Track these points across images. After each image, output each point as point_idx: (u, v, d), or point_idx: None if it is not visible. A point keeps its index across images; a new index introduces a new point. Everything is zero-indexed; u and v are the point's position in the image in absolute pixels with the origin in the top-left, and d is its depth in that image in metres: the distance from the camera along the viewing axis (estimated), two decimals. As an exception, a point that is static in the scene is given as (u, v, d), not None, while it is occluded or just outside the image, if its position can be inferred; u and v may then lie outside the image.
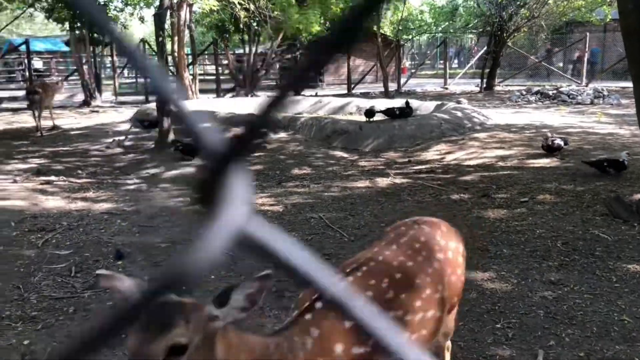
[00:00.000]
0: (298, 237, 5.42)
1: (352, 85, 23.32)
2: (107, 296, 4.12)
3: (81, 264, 4.76)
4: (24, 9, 15.56)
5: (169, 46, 21.21)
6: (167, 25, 19.21)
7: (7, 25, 14.52)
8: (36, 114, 12.11)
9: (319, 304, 1.87)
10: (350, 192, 7.21)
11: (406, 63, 33.15)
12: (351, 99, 16.52)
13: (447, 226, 2.60)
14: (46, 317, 3.81)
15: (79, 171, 8.72)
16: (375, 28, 20.19)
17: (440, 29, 27.19)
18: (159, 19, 10.01)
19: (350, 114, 14.99)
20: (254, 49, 20.87)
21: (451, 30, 26.27)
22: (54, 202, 6.89)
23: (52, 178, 8.11)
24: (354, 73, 25.02)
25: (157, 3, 11.24)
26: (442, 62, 30.86)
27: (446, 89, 23.11)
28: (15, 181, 7.95)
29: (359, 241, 5.26)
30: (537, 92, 18.13)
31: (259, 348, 1.67)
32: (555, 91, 17.72)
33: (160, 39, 9.98)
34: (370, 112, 11.04)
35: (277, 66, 25.54)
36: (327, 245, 5.21)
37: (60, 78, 15.26)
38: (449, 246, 2.43)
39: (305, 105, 15.70)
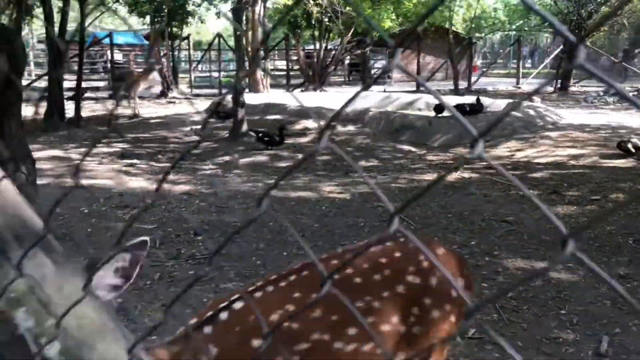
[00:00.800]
0: (365, 223, 5.61)
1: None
2: (188, 266, 4.46)
3: (164, 237, 5.14)
4: (110, 3, 16.48)
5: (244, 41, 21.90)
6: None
7: (94, 20, 15.44)
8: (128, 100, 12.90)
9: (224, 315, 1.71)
10: (417, 184, 7.32)
11: (478, 61, 32.57)
12: (420, 95, 16.47)
13: (448, 255, 2.11)
14: (135, 281, 4.17)
15: (159, 156, 9.26)
16: (446, 25, 20.05)
17: (514, 27, 26.57)
18: (236, 14, 10.42)
19: (419, 110, 14.98)
20: (324, 45, 21.19)
21: (525, 29, 25.60)
22: (137, 183, 7.38)
23: (135, 161, 8.67)
24: (424, 70, 24.87)
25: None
26: (515, 61, 30.11)
27: (518, 88, 22.58)
28: (101, 163, 8.56)
29: (425, 229, 5.38)
30: (615, 93, 17.43)
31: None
32: (636, 92, 17.00)
33: (238, 32, 10.41)
34: (439, 108, 11.04)
35: (347, 62, 25.80)
36: (394, 231, 5.36)
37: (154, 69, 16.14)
38: (433, 272, 1.90)
39: (374, 100, 15.79)
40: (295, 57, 22.69)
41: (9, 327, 0.55)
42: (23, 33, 17.79)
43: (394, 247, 1.96)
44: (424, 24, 19.92)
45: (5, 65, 2.94)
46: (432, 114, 11.56)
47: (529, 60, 37.17)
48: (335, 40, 22.76)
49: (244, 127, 10.46)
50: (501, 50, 35.87)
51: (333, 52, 21.76)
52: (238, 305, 1.72)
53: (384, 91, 18.42)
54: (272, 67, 29.00)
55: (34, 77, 20.44)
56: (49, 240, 0.60)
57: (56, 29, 11.32)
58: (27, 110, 12.94)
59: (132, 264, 1.26)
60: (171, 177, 7.70)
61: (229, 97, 12.00)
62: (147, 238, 1.27)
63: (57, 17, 11.97)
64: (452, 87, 20.07)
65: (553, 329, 3.34)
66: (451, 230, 5.34)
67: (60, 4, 12.18)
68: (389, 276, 1.86)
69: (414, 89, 22.17)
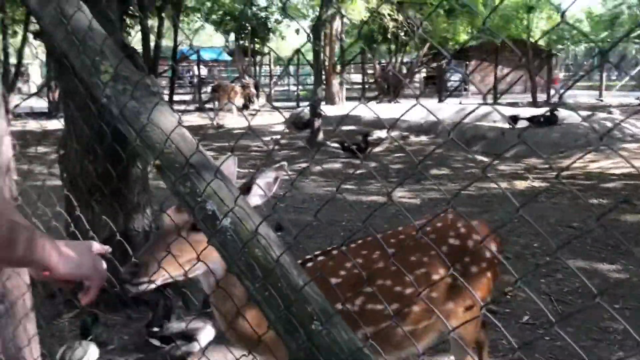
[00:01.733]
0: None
1: (498, 95, 23.02)
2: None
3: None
4: (201, 22, 17.70)
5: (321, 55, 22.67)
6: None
7: (186, 38, 16.62)
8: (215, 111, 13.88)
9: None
10: (487, 191, 7.54)
11: (560, 74, 31.74)
12: (495, 107, 16.47)
13: (483, 225, 2.56)
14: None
15: (242, 162, 9.97)
16: (525, 36, 19.88)
17: (598, 38, 25.79)
18: (315, 31, 11.05)
19: (494, 122, 15.02)
20: (399, 58, 21.58)
21: (608, 40, 24.80)
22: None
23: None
24: (502, 83, 24.63)
25: (313, 16, 12.41)
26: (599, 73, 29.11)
27: (601, 100, 21.93)
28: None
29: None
30: None
31: None
32: None
33: (317, 48, 11.03)
34: (513, 119, 11.13)
35: (423, 75, 25.99)
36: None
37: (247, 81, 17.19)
38: (470, 237, 2.29)
39: (448, 112, 15.97)
40: (371, 71, 23.18)
41: (205, 209, 1.02)
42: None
43: (436, 220, 2.37)
44: (501, 36, 19.85)
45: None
46: (506, 125, 11.64)
47: (615, 73, 35.72)
48: (412, 53, 23.06)
49: (320, 137, 11.03)
50: (585, 63, 34.74)
51: (409, 65, 22.08)
52: (320, 258, 2.18)
53: (460, 103, 18.51)
54: (349, 81, 29.66)
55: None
56: (220, 171, 1.07)
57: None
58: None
59: (274, 180, 1.73)
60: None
61: (306, 110, 12.65)
62: (284, 163, 1.75)
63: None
64: (531, 100, 19.83)
65: (604, 319, 3.57)
66: (515, 234, 5.57)
67: (155, 24, 13.28)
68: (434, 240, 2.25)
69: (492, 101, 22.08)
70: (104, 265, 1.15)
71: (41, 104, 17.45)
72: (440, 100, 21.07)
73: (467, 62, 25.43)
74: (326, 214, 6.32)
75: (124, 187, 3.72)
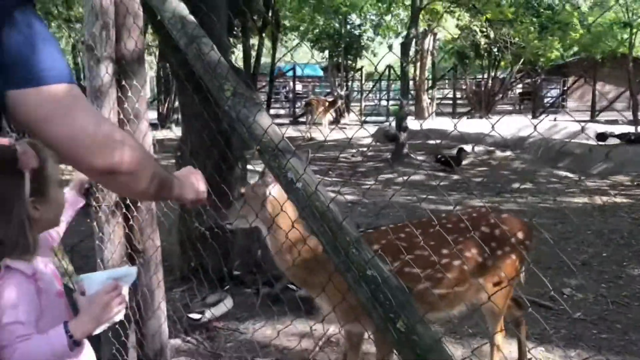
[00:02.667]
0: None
1: (597, 112, 22.28)
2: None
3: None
4: (294, 40, 18.74)
5: (411, 70, 23.11)
6: (411, 52, 21.03)
7: (283, 56, 17.74)
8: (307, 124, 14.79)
9: None
10: (566, 205, 7.70)
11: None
12: (589, 125, 16.11)
13: (512, 218, 2.93)
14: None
15: (330, 172, 10.64)
16: (626, 51, 19.20)
17: None
18: (404, 48, 11.57)
19: (587, 139, 14.75)
20: (492, 74, 21.53)
21: None
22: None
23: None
24: (603, 99, 23.77)
25: (405, 33, 12.88)
26: None
27: None
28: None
29: (562, 242, 5.89)
30: None
31: None
32: None
33: (405, 64, 11.55)
34: (602, 136, 11.03)
35: (517, 91, 25.66)
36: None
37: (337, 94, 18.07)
38: (497, 226, 2.72)
39: (540, 128, 15.85)
40: (464, 86, 23.23)
41: (286, 177, 1.62)
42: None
43: (472, 212, 2.93)
44: (602, 51, 19.28)
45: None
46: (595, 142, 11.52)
47: None
48: (507, 69, 22.90)
49: (405, 150, 11.49)
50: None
51: (502, 81, 21.95)
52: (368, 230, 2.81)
53: (554, 119, 18.20)
54: (441, 96, 29.70)
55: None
56: (296, 152, 1.67)
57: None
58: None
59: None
60: (339, 189, 8.99)
61: (393, 123, 13.14)
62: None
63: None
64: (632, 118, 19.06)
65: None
66: (586, 244, 5.79)
67: (255, 42, 14.36)
68: (469, 225, 2.68)
69: (588, 118, 21.42)
70: (201, 178, 1.71)
71: (151, 114, 19.26)
72: (534, 116, 20.75)
73: (565, 78, 24.78)
74: (401, 220, 6.81)
75: (227, 184, 4.45)
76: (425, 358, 1.37)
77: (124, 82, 2.51)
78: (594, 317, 3.94)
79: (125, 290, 1.51)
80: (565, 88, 24.60)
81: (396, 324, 1.43)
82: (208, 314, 3.73)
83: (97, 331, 1.45)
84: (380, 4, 15.54)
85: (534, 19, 13.51)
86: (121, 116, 2.51)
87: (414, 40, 17.23)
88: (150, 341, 2.73)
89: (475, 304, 2.79)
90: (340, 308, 2.14)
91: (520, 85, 26.80)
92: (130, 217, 2.60)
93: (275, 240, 2.52)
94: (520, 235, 2.84)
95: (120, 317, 1.49)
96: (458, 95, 24.56)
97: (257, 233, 5.01)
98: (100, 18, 2.41)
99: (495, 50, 19.88)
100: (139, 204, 2.59)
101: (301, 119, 19.36)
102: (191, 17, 2.00)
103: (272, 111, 25.11)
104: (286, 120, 21.92)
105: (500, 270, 2.69)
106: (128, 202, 2.59)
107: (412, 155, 11.80)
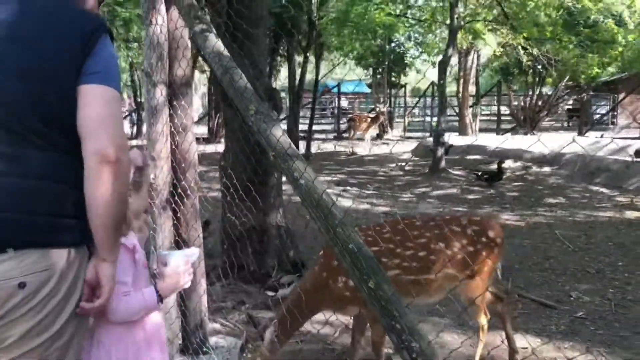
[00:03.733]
0: (528, 243, 6.57)
1: (645, 129, 21.85)
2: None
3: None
4: (342, 59, 19.36)
5: (454, 87, 23.36)
6: (452, 70, 21.37)
7: (327, 74, 18.37)
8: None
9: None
10: (594, 218, 7.90)
11: None
12: (634, 142, 15.99)
13: (490, 221, 3.42)
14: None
15: (368, 185, 11.12)
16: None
17: None
18: (442, 66, 11.98)
19: (631, 156, 14.66)
20: (537, 91, 21.56)
21: None
22: (346, 203, 9.25)
23: (348, 188, 10.63)
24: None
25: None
26: None
27: None
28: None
29: (581, 252, 6.17)
30: None
31: None
32: None
33: (442, 81, 11.95)
34: (638, 153, 11.09)
35: (563, 108, 25.48)
36: (552, 251, 6.26)
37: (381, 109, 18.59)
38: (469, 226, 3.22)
39: (583, 144, 15.84)
40: (514, 103, 23.24)
41: (293, 176, 2.14)
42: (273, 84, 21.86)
43: (446, 214, 3.40)
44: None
45: (274, 111, 4.91)
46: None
47: None
48: (555, 85, 22.84)
49: (442, 164, 11.85)
50: None
51: (548, 97, 21.92)
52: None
53: (601, 136, 18.09)
54: (489, 112, 29.69)
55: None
56: (300, 155, 2.19)
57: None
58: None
59: None
60: (374, 200, 9.45)
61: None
62: None
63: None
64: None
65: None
66: (605, 254, 6.04)
67: (301, 60, 15.00)
68: (450, 221, 3.24)
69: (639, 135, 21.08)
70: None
71: (201, 129, 20.24)
72: (580, 133, 20.62)
73: (615, 95, 24.46)
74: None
75: (264, 189, 5.01)
76: (387, 307, 1.86)
77: (175, 102, 3.10)
78: (595, 316, 4.27)
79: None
80: (614, 105, 24.28)
81: (368, 283, 1.92)
82: (281, 292, 4.35)
83: (173, 294, 2.02)
84: (420, 24, 15.97)
85: (573, 38, 13.63)
86: (172, 129, 3.10)
87: (455, 57, 17.59)
88: (192, 316, 3.28)
89: (456, 294, 3.25)
90: None
91: (570, 102, 26.57)
92: (177, 210, 3.17)
93: None
94: (491, 234, 3.26)
95: (188, 284, 2.03)
96: (504, 111, 24.61)
97: (291, 236, 5.56)
98: (157, 50, 3.02)
99: (539, 67, 19.96)
100: (185, 200, 3.16)
101: (345, 135, 19.92)
102: (226, 52, 2.55)
103: (318, 127, 25.85)
104: (331, 136, 22.59)
105: (472, 264, 3.13)
106: (177, 198, 3.16)
107: (449, 170, 12.14)
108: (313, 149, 15.47)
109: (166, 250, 2.09)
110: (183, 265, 1.98)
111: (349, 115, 20.89)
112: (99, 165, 1.49)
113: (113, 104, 1.55)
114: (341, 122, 23.83)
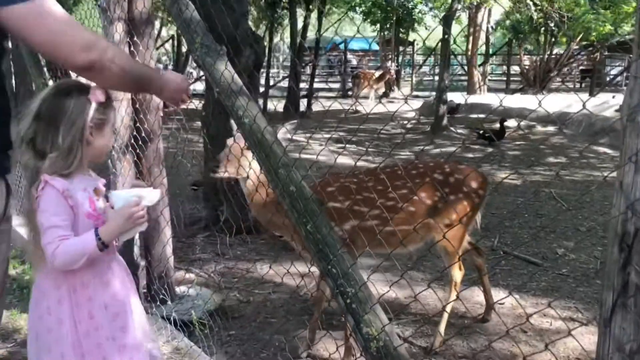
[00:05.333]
0: (522, 201, 6.44)
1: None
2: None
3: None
4: (346, 13, 18.89)
5: (463, 46, 22.82)
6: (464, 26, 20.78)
7: (330, 26, 17.94)
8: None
9: None
10: (593, 178, 7.73)
11: None
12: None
13: (473, 171, 3.18)
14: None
15: (366, 143, 10.95)
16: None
17: None
18: (446, 21, 11.60)
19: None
20: (548, 50, 21.02)
21: None
22: (343, 160, 9.12)
23: (346, 145, 10.47)
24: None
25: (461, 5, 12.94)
26: None
27: None
28: (321, 145, 10.54)
29: (575, 210, 6.03)
30: None
31: None
32: None
33: (447, 36, 11.60)
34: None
35: (577, 68, 24.84)
36: (545, 209, 6.12)
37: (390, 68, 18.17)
38: (452, 175, 3.07)
39: (589, 105, 15.48)
40: (524, 62, 22.73)
41: (238, 115, 2.01)
42: (276, 40, 21.46)
43: (430, 162, 3.23)
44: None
45: (252, 58, 4.70)
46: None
47: None
48: (568, 44, 22.24)
49: (444, 122, 11.62)
50: None
51: (559, 57, 21.37)
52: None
53: (613, 97, 17.66)
54: (500, 72, 29.06)
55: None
56: (245, 93, 2.06)
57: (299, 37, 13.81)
58: (272, 105, 15.81)
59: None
60: (370, 158, 9.30)
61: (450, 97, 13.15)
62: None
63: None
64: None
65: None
66: (599, 213, 5.89)
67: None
68: (421, 173, 3.08)
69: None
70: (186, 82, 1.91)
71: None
72: (591, 94, 20.16)
73: (630, 56, 23.81)
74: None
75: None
76: (323, 251, 1.75)
77: (135, 39, 2.95)
78: (578, 274, 4.16)
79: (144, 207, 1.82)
80: (627, 65, 23.64)
81: (307, 226, 1.81)
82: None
83: (122, 239, 1.84)
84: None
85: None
86: (131, 70, 2.95)
87: (465, 14, 17.09)
88: (157, 266, 3.21)
89: (431, 243, 3.12)
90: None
91: (584, 63, 25.93)
92: (140, 155, 3.06)
93: (247, 189, 2.86)
94: (473, 184, 3.11)
95: (142, 228, 1.84)
96: (514, 71, 24.09)
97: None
98: (114, -16, 2.85)
99: (551, 24, 19.39)
100: (148, 144, 3.05)
101: (350, 92, 19.61)
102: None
103: (324, 85, 25.49)
104: (336, 94, 22.26)
105: (452, 213, 2.99)
106: (140, 143, 3.04)
107: (451, 128, 11.92)
108: (317, 107, 15.25)
109: (118, 190, 1.92)
110: (131, 206, 1.77)
111: (354, 73, 20.54)
112: None
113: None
114: (348, 80, 23.45)
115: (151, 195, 1.88)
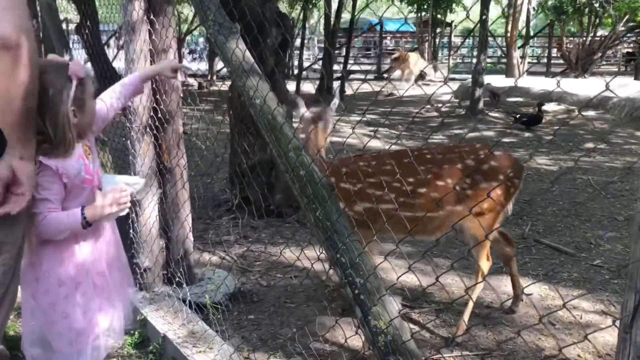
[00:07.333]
0: (557, 187, 6.21)
1: None
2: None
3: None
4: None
5: (502, 28, 22.19)
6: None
7: (364, 7, 17.63)
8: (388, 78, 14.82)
9: None
10: (634, 165, 7.41)
11: None
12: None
13: (506, 156, 3.04)
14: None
15: (399, 126, 10.77)
16: None
17: None
18: (483, 2, 11.24)
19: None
20: (592, 32, 20.22)
21: None
22: (374, 143, 8.99)
23: (378, 128, 10.31)
24: None
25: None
26: None
27: None
28: (353, 127, 10.40)
29: (613, 199, 5.78)
30: None
31: None
32: None
33: (484, 17, 11.25)
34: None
35: (621, 50, 23.88)
36: (581, 197, 5.89)
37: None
38: (486, 162, 2.90)
39: (634, 89, 14.87)
40: (566, 44, 21.98)
41: (248, 93, 1.93)
42: (312, 22, 21.26)
43: (464, 146, 3.02)
44: None
45: (278, 38, 4.61)
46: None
47: None
48: (613, 27, 21.38)
49: (480, 105, 11.32)
50: None
51: (604, 39, 20.57)
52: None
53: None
54: (540, 54, 28.21)
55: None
56: (258, 73, 1.98)
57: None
58: (305, 86, 15.70)
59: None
60: (402, 141, 9.14)
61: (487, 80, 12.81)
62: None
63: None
64: None
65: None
66: (633, 199, 5.65)
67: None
68: (452, 158, 2.91)
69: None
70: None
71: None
72: (636, 78, 19.38)
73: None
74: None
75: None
76: (332, 238, 1.68)
77: (154, 18, 2.89)
78: (612, 265, 3.98)
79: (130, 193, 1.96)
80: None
81: (316, 212, 1.73)
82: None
83: (106, 220, 1.94)
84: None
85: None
86: (151, 47, 2.91)
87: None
88: (175, 247, 3.19)
89: (460, 231, 2.99)
90: None
91: (630, 45, 24.92)
92: (158, 137, 3.02)
93: None
94: (508, 171, 2.96)
95: (124, 212, 1.95)
96: (555, 54, 23.32)
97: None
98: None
99: (595, 4, 18.64)
100: (166, 126, 3.01)
101: (386, 75, 19.33)
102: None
103: (360, 67, 25.19)
104: (372, 77, 21.95)
105: (482, 201, 2.84)
106: (157, 124, 3.01)
107: (487, 112, 11.61)
108: (350, 90, 15.07)
109: (111, 174, 2.02)
110: (118, 191, 1.90)
111: (391, 55, 20.18)
112: None
113: None
114: (384, 61, 23.11)
115: (138, 183, 2.05)
